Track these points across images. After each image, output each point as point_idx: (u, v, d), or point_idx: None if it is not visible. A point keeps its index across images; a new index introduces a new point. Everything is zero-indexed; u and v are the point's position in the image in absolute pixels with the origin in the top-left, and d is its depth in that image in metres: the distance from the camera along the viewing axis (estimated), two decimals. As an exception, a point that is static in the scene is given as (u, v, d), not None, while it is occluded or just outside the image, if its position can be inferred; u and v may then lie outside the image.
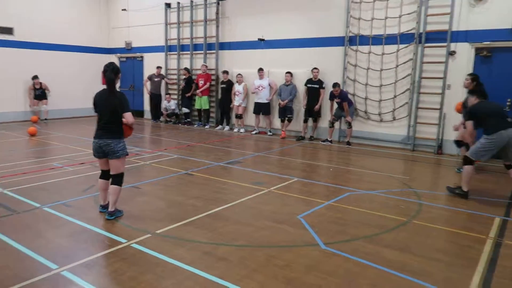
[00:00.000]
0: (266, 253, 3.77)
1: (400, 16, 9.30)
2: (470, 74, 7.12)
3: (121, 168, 4.60)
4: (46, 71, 13.84)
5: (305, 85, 10.54)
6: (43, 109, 13.67)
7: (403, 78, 9.45)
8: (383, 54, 9.62)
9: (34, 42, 13.65)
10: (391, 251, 3.88)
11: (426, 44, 9.09)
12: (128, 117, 4.51)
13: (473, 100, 5.87)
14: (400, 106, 9.56)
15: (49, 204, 5.02)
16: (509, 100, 8.23)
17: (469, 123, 5.68)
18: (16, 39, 13.22)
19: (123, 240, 3.98)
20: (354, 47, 10.04)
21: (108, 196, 4.62)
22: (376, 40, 9.71)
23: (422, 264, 3.63)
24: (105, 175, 4.69)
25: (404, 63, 9.39)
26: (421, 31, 9.10)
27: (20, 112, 13.57)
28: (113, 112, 4.45)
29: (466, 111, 6.01)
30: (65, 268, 3.40)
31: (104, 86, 4.51)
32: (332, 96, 9.85)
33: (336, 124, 10.26)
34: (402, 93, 9.50)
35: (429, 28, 9.05)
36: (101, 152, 4.53)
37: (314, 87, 10.36)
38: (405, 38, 9.35)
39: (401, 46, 9.39)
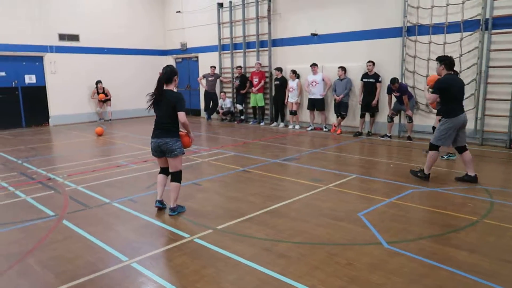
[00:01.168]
0: (326, 251, 3.73)
1: (463, 2, 8.73)
2: (437, 58, 6.13)
3: (179, 166, 4.76)
4: (108, 73, 14.69)
5: (361, 79, 10.25)
6: (107, 111, 14.57)
7: (468, 68, 8.88)
8: (445, 43, 9.10)
9: (97, 47, 14.55)
10: (460, 251, 3.67)
11: (494, 31, 8.46)
12: (180, 116, 4.56)
13: (440, 70, 5.89)
14: (466, 98, 8.95)
15: (117, 200, 5.34)
16: None
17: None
18: (81, 45, 14.16)
19: (186, 235, 4.13)
20: (412, 38, 9.60)
21: (169, 193, 4.80)
22: (437, 29, 9.20)
23: (495, 266, 3.40)
24: (164, 171, 4.89)
25: (469, 52, 8.82)
26: (487, 17, 8.48)
27: (87, 113, 14.54)
28: (170, 111, 4.58)
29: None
30: (134, 260, 3.60)
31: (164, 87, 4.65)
32: (390, 90, 9.49)
33: (396, 119, 9.87)
34: (468, 84, 8.91)
35: (497, 13, 8.41)
36: (159, 151, 4.69)
37: (370, 81, 10.04)
38: (469, 25, 8.78)
39: (465, 34, 8.82)
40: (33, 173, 6.94)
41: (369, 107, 10.15)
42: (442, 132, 5.78)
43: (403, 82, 9.57)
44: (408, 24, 9.61)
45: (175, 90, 4.76)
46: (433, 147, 5.91)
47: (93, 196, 5.54)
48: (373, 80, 10.01)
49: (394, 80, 9.19)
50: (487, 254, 3.62)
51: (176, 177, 4.76)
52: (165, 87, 4.63)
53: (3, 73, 12.68)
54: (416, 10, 9.46)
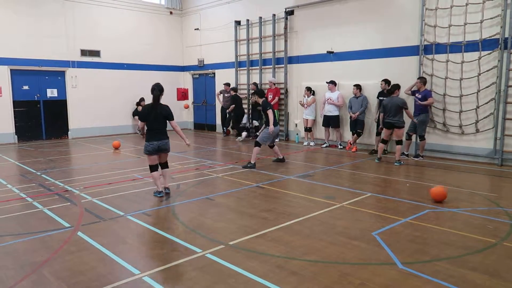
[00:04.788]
0: (339, 270, 3.67)
1: (481, 22, 8.68)
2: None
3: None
4: (127, 89, 14.97)
5: (377, 97, 10.21)
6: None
7: (487, 87, 8.76)
8: (462, 62, 9.02)
9: (116, 62, 14.90)
10: (478, 275, 3.56)
11: (514, 50, 8.37)
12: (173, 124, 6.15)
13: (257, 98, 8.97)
14: (485, 117, 8.85)
15: (131, 213, 5.38)
16: None
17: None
18: (102, 60, 14.54)
19: (198, 250, 4.12)
20: (430, 56, 9.55)
21: (164, 178, 6.34)
22: (455, 47, 9.14)
23: (516, 291, 3.29)
24: (157, 167, 6.19)
25: (488, 71, 8.71)
26: (506, 36, 8.40)
27: (106, 127, 14.78)
28: (163, 120, 6.07)
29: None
30: (146, 274, 3.60)
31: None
32: (414, 91, 9.44)
33: (413, 138, 9.72)
34: (486, 103, 8.79)
35: (517, 32, 8.34)
36: (158, 150, 6.01)
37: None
38: (487, 44, 8.69)
39: (484, 53, 8.74)
40: (50, 184, 7.07)
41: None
42: (265, 135, 8.60)
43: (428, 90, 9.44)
44: (425, 43, 9.58)
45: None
46: (257, 144, 8.51)
47: (107, 208, 5.60)
48: (389, 98, 9.93)
49: (421, 78, 9.26)
50: (507, 278, 3.51)
51: (167, 165, 6.40)
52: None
53: (26, 87, 13.09)
54: (433, 29, 9.43)
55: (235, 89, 13.72)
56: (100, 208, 5.64)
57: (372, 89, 10.50)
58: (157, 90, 5.99)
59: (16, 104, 12.86)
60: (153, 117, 5.98)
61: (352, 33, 11.04)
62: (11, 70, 12.64)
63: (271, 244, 4.29)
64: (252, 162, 8.36)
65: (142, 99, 14.44)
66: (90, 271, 3.68)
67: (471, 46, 8.91)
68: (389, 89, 9.02)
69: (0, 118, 12.51)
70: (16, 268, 3.77)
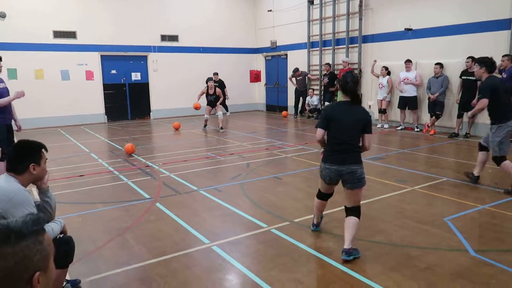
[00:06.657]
0: (405, 253, 3.61)
1: None
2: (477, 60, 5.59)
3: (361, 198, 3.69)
4: (203, 71, 15.50)
5: (460, 77, 9.47)
6: (219, 117, 11.45)
7: None
8: None
9: (194, 46, 15.53)
10: None
11: None
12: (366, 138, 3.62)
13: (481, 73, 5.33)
14: None
15: (204, 188, 5.73)
16: None
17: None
18: (180, 45, 15.26)
19: (264, 225, 4.30)
20: (524, 30, 8.60)
21: (347, 231, 3.53)
22: (556, 19, 8.12)
23: None
24: (326, 196, 3.93)
25: None
26: None
27: (184, 108, 15.53)
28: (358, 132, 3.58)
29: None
30: (215, 244, 3.87)
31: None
32: (501, 70, 8.50)
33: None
34: None
35: None
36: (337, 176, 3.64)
37: (470, 79, 9.21)
38: None
39: None
40: (134, 160, 7.74)
41: (468, 106, 9.31)
42: (498, 137, 5.25)
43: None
44: (519, 15, 8.63)
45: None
46: (500, 159, 5.29)
47: (183, 183, 6.02)
48: (473, 78, 9.15)
49: (507, 55, 8.32)
50: None
51: (357, 211, 3.61)
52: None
53: (114, 71, 14.28)
54: (529, -1, 8.45)
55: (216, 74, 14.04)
56: (176, 182, 6.08)
57: (454, 68, 9.76)
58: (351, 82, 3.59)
59: (105, 87, 14.11)
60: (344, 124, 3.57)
61: (432, 8, 10.28)
62: (101, 56, 13.84)
63: (336, 223, 4.31)
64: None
65: (210, 79, 11.71)
66: (166, 238, 4.05)
67: None
68: None
69: (93, 100, 13.83)
70: (105, 231, 4.27)
